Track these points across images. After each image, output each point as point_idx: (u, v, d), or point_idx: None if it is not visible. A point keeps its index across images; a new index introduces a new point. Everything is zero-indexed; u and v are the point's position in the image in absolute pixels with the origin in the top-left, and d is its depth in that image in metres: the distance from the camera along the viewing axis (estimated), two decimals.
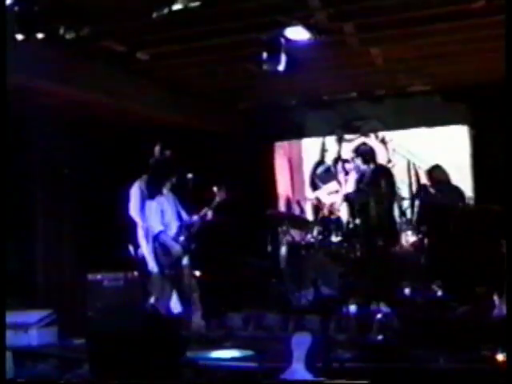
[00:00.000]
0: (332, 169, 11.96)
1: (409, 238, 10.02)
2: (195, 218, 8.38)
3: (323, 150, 12.12)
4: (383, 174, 10.29)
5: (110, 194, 9.90)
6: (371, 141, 11.66)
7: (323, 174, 12.09)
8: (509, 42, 4.99)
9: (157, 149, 8.60)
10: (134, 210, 8.69)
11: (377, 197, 9.97)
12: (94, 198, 10.26)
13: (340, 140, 11.85)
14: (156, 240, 8.26)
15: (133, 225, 8.80)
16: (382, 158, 11.56)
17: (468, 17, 7.49)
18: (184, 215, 8.42)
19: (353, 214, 9.88)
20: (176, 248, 8.26)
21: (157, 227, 8.26)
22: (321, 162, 12.18)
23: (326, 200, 11.55)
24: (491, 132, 10.02)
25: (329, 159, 12.04)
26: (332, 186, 11.83)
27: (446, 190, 10.00)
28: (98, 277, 9.23)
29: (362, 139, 11.69)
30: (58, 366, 6.35)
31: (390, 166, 11.43)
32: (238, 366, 6.02)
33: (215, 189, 8.31)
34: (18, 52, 6.72)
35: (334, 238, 9.58)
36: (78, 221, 10.45)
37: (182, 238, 8.30)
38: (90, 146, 10.35)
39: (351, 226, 9.68)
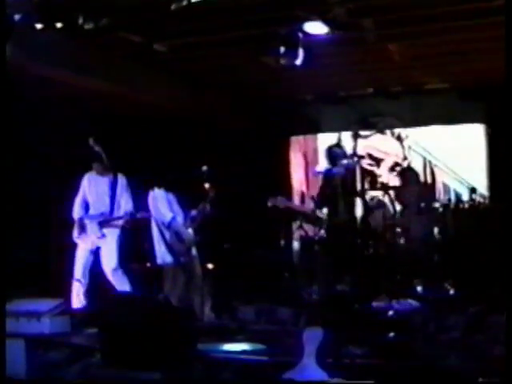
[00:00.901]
0: None
1: (422, 235, 10.01)
2: (194, 212, 8.37)
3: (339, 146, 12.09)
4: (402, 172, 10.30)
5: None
6: (387, 137, 11.64)
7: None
8: (509, 42, 4.95)
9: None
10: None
11: (391, 195, 9.98)
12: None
13: (356, 136, 11.80)
14: (169, 227, 8.25)
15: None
16: (397, 155, 11.56)
17: (487, 15, 7.46)
18: (184, 206, 8.41)
19: (366, 210, 9.86)
20: (189, 235, 8.26)
21: (168, 215, 8.26)
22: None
23: None
24: (507, 130, 9.96)
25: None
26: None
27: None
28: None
29: (378, 136, 11.67)
30: (70, 355, 6.36)
31: (405, 163, 11.41)
32: (248, 360, 6.02)
33: (207, 185, 8.26)
34: (36, 41, 6.74)
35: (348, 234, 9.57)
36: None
37: (190, 228, 8.30)
38: (104, 136, 10.36)
39: (364, 222, 9.67)
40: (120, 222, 8.55)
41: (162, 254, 8.33)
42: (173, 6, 6.72)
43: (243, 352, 6.40)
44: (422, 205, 10.18)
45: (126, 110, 10.04)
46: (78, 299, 8.39)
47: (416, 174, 11.03)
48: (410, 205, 10.39)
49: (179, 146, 9.79)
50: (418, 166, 11.37)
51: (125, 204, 8.60)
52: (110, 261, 8.48)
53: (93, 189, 8.65)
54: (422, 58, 9.19)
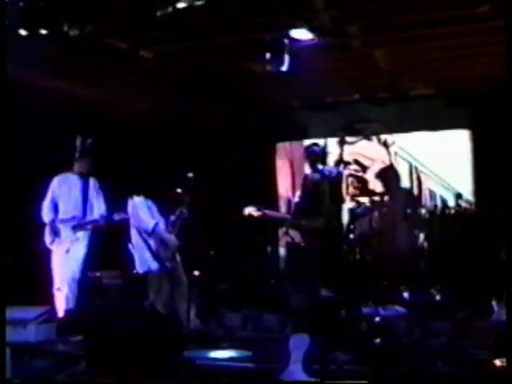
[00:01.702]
0: None
1: (409, 241, 10.03)
2: (172, 217, 8.33)
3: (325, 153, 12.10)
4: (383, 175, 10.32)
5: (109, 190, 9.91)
6: (373, 143, 11.66)
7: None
8: (509, 45, 4.98)
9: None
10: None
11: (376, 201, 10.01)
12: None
13: (342, 142, 11.82)
14: (153, 234, 8.20)
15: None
16: (383, 161, 11.58)
17: (472, 21, 7.49)
18: (164, 212, 8.38)
19: (353, 215, 9.87)
20: (173, 240, 8.22)
21: (150, 222, 8.21)
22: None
23: None
24: (492, 136, 10.01)
25: (331, 161, 12.04)
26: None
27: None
28: (97, 274, 9.22)
29: (364, 142, 11.70)
30: (56, 363, 6.33)
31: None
32: (235, 367, 6.01)
33: (179, 190, 8.23)
34: (21, 48, 6.71)
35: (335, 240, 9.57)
36: None
37: (172, 233, 8.27)
38: (94, 142, 10.34)
39: (351, 228, 9.69)
40: (92, 226, 8.53)
41: (147, 262, 8.27)
42: (158, 13, 6.71)
43: (230, 359, 6.38)
44: (408, 211, 10.21)
45: (110, 116, 10.01)
46: (60, 308, 8.34)
47: (398, 178, 11.06)
48: (397, 211, 10.43)
49: (163, 151, 9.74)
50: (404, 172, 11.39)
51: (97, 208, 8.57)
52: (74, 265, 8.45)
53: (64, 191, 8.56)
54: (407, 65, 9.23)
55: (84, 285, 8.53)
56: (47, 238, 8.53)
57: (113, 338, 5.59)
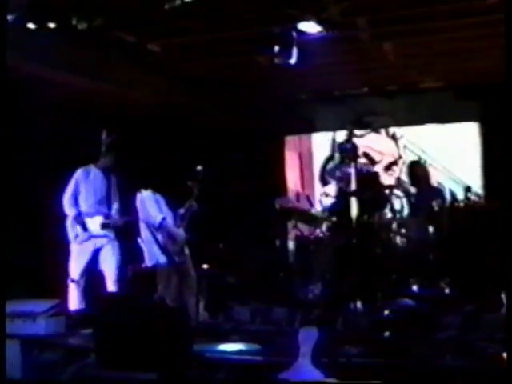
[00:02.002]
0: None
1: (417, 234, 10.00)
2: (182, 210, 8.33)
3: (334, 146, 12.10)
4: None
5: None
6: (382, 137, 11.64)
7: (333, 170, 12.07)
8: (509, 42, 4.96)
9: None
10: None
11: (385, 195, 9.98)
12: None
13: (350, 135, 11.80)
14: (160, 228, 8.21)
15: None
16: (392, 154, 11.56)
17: (482, 13, 7.46)
18: (172, 206, 8.37)
19: (362, 209, 9.83)
20: (181, 234, 8.22)
21: (158, 216, 8.22)
22: (331, 157, 12.17)
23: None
24: (502, 129, 9.96)
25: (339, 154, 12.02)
26: None
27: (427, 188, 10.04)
28: None
29: (373, 135, 11.68)
30: (66, 356, 6.35)
31: (401, 162, 11.42)
32: (244, 360, 6.02)
33: (190, 183, 8.23)
34: (30, 41, 6.72)
35: (343, 233, 9.56)
36: None
37: (181, 227, 8.27)
38: (98, 136, 10.35)
39: (360, 221, 9.65)
40: (120, 223, 8.51)
41: (156, 256, 8.29)
42: (166, 6, 6.71)
43: (238, 352, 6.39)
44: (418, 204, 10.16)
45: (119, 110, 10.02)
46: (73, 300, 8.35)
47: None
48: (407, 205, 10.40)
49: (172, 145, 9.76)
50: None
51: (116, 205, 8.58)
52: (112, 262, 8.45)
53: (89, 184, 8.49)
54: (416, 57, 9.19)
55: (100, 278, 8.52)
56: (71, 232, 8.48)
57: (122, 332, 5.60)
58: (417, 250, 9.69)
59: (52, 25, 6.95)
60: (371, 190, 10.20)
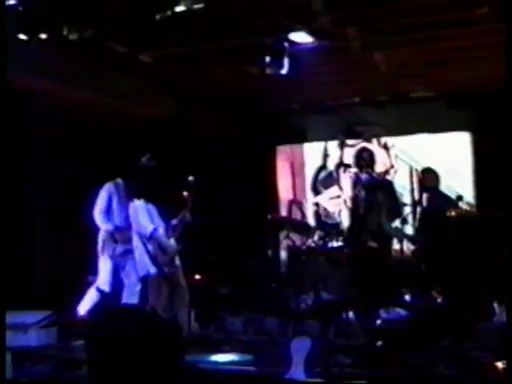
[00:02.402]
0: (334, 174, 11.96)
1: (409, 244, 10.03)
2: (174, 221, 8.32)
3: (325, 155, 12.10)
4: (384, 183, 10.33)
5: None
6: (373, 146, 11.65)
7: (325, 180, 12.06)
8: (509, 47, 4.97)
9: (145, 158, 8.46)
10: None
11: (377, 204, 9.99)
12: (94, 200, 10.27)
13: (342, 145, 11.83)
14: (151, 239, 8.19)
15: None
16: (384, 164, 11.55)
17: (471, 23, 7.49)
18: (165, 217, 8.35)
19: (354, 219, 9.87)
20: (171, 245, 8.20)
21: (149, 226, 8.20)
22: (323, 167, 12.17)
23: (328, 205, 11.54)
24: (493, 138, 10.00)
25: (331, 164, 12.05)
26: (333, 191, 11.81)
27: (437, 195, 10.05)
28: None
29: (364, 144, 11.69)
30: (57, 367, 6.33)
31: (392, 171, 11.43)
32: (237, 370, 6.01)
33: (185, 193, 8.22)
34: (21, 52, 6.71)
35: (335, 243, 9.57)
36: (79, 221, 10.44)
37: (172, 238, 8.24)
38: (91, 146, 10.36)
39: (351, 231, 9.68)
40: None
41: (146, 266, 8.27)
42: (158, 16, 6.70)
43: (231, 363, 6.38)
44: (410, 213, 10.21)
45: (111, 120, 10.03)
46: (86, 306, 8.29)
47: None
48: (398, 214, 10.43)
49: (163, 155, 9.74)
50: (404, 175, 11.39)
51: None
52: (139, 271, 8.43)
53: (117, 198, 8.56)
54: (407, 67, 9.21)
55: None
56: (107, 245, 8.47)
57: (114, 343, 5.58)
58: (409, 260, 9.72)
59: (43, 35, 6.94)
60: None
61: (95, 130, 10.18)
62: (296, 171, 12.22)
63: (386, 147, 11.62)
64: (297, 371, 5.11)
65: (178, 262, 8.29)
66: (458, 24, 7.55)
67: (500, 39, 7.64)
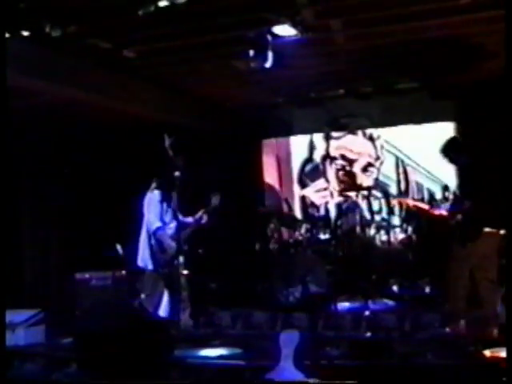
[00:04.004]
0: (320, 166, 11.97)
1: (397, 235, 10.06)
2: (190, 219, 8.30)
3: (311, 148, 12.11)
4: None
5: (97, 193, 9.89)
6: (359, 137, 11.66)
7: (311, 172, 12.06)
8: (509, 42, 4.98)
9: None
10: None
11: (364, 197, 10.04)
12: (82, 197, 10.25)
13: (327, 137, 11.84)
14: (154, 236, 8.18)
15: (123, 223, 8.66)
16: (369, 155, 11.58)
17: (455, 13, 7.51)
18: (177, 215, 8.31)
19: (340, 212, 9.88)
20: (172, 246, 8.16)
21: (154, 223, 8.18)
22: (309, 159, 12.19)
23: (314, 198, 11.56)
24: (478, 129, 10.02)
25: (317, 157, 12.06)
26: (320, 183, 11.82)
27: None
28: (86, 276, 9.21)
29: (350, 136, 11.70)
30: (46, 366, 6.31)
31: (378, 162, 11.46)
32: (225, 364, 6.02)
33: (212, 194, 8.22)
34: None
35: (322, 236, 9.59)
36: (66, 219, 10.43)
37: (176, 237, 8.21)
38: (76, 143, 10.33)
39: (339, 223, 9.70)
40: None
41: (145, 260, 8.25)
42: (140, 12, 6.68)
43: (220, 357, 6.39)
44: (396, 204, 10.24)
45: (96, 117, 10.00)
46: None
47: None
48: (384, 205, 10.46)
49: (145, 152, 9.72)
50: (390, 166, 11.42)
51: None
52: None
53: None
54: (392, 58, 9.20)
55: None
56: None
57: (103, 339, 5.57)
58: (396, 251, 9.74)
59: (25, 33, 6.91)
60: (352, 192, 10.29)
61: (80, 126, 10.14)
62: (282, 164, 12.21)
63: (371, 138, 11.63)
64: (286, 364, 5.11)
65: (177, 260, 8.24)
66: (442, 14, 7.56)
67: (484, 29, 7.71)
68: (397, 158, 11.40)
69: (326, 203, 11.43)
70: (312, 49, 8.37)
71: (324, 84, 10.72)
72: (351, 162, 11.74)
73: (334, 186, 11.69)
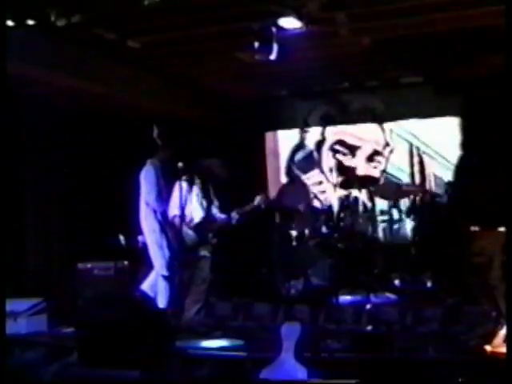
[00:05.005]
0: (315, 154, 11.06)
1: (400, 228, 10.02)
2: (222, 216, 8.25)
3: (303, 131, 11.08)
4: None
5: (100, 182, 9.89)
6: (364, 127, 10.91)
7: (303, 161, 11.03)
8: (509, 40, 4.97)
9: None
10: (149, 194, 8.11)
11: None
12: (83, 186, 10.25)
13: (326, 119, 10.89)
14: (169, 222, 8.12)
15: (127, 211, 8.59)
16: (377, 141, 10.73)
17: (460, 7, 7.50)
18: (206, 207, 8.27)
19: (342, 204, 9.80)
20: (190, 236, 8.08)
21: (174, 210, 8.11)
22: (300, 145, 11.16)
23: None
24: (481, 123, 9.97)
25: (310, 142, 11.06)
26: (314, 175, 11.07)
27: None
28: (88, 266, 9.23)
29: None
30: (47, 355, 6.33)
31: (387, 150, 10.62)
32: (226, 356, 6.03)
33: (258, 196, 8.17)
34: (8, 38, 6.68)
35: (325, 229, 9.57)
36: (68, 208, 10.42)
37: (198, 228, 8.17)
38: (78, 133, 10.32)
39: (341, 216, 9.67)
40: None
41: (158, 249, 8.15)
42: (146, 2, 6.69)
43: (221, 348, 6.40)
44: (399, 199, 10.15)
45: (100, 107, 9.99)
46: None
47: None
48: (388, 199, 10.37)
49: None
50: (402, 154, 10.38)
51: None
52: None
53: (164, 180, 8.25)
54: (396, 52, 9.18)
55: None
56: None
57: (104, 329, 5.58)
58: (398, 245, 9.72)
59: (31, 22, 6.92)
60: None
61: (82, 115, 10.14)
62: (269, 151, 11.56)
63: (379, 120, 10.65)
64: (287, 356, 5.12)
65: (202, 253, 8.21)
66: (446, 8, 7.55)
67: (488, 23, 7.69)
68: (410, 145, 10.35)
69: (322, 197, 10.90)
70: (317, 41, 8.35)
71: (328, 77, 10.69)
72: (353, 149, 10.61)
73: (331, 178, 10.64)
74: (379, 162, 10.55)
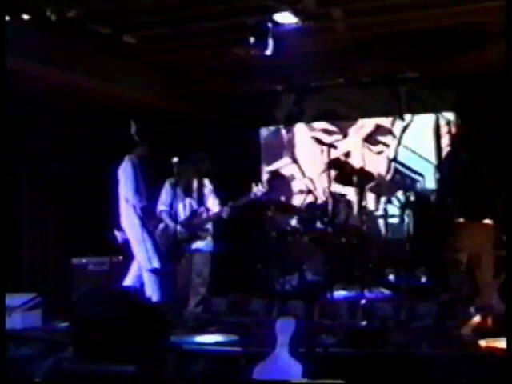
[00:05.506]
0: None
1: (394, 224, 10.05)
2: (212, 210, 8.26)
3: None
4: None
5: (95, 177, 9.88)
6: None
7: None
8: (509, 39, 4.98)
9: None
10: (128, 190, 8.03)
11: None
12: (78, 181, 10.24)
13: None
14: (158, 218, 8.15)
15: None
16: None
17: (457, 4, 7.51)
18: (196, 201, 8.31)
19: (336, 200, 9.79)
20: (180, 230, 8.08)
21: (162, 206, 8.16)
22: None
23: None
24: (477, 119, 9.98)
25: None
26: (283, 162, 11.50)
27: None
28: (83, 261, 9.22)
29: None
30: (42, 350, 6.33)
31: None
32: (221, 351, 6.04)
33: (257, 187, 8.17)
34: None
35: (319, 224, 9.57)
36: (62, 203, 10.42)
37: (188, 222, 8.18)
38: (73, 128, 10.31)
39: (336, 211, 9.67)
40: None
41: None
42: None
43: (216, 343, 6.41)
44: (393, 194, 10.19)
45: (95, 102, 9.98)
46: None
47: None
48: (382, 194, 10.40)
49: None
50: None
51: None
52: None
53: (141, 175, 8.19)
54: (392, 48, 9.18)
55: None
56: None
57: (99, 324, 5.59)
58: (392, 240, 9.75)
59: (26, 16, 6.92)
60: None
61: (79, 109, 10.13)
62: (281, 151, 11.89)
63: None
64: (282, 351, 5.13)
65: (195, 246, 8.23)
66: (443, 4, 7.56)
67: (487, 20, 7.70)
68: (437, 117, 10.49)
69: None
70: (313, 36, 8.34)
71: (323, 73, 10.67)
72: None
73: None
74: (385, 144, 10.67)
